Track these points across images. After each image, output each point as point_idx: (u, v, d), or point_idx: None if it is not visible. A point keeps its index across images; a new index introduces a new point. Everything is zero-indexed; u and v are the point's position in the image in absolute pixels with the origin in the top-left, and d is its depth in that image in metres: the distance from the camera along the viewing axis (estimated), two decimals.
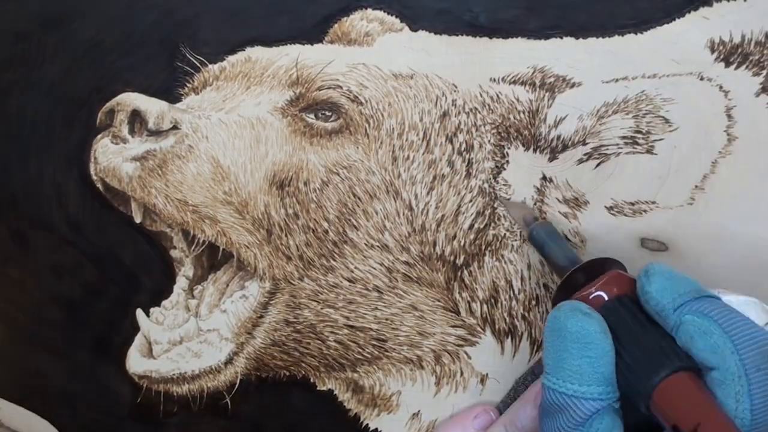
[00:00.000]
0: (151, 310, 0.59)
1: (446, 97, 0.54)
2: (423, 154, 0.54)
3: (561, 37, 0.54)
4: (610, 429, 0.39)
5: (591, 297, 0.43)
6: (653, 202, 0.53)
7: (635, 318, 0.40)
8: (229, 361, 0.57)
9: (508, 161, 0.54)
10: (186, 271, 0.59)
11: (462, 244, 0.55)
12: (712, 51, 0.53)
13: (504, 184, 0.54)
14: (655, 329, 0.40)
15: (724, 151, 0.53)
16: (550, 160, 0.54)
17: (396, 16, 0.55)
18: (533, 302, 0.55)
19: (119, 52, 0.58)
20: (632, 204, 0.54)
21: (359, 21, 0.56)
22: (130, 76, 0.57)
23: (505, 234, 0.55)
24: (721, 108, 0.53)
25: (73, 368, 0.62)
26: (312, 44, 0.56)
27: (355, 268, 0.55)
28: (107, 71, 0.58)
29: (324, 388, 0.59)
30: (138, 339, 0.59)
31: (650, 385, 0.37)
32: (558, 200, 0.54)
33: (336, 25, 0.56)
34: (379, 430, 0.60)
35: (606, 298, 0.42)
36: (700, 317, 0.38)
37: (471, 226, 0.55)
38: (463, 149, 0.54)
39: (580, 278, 0.44)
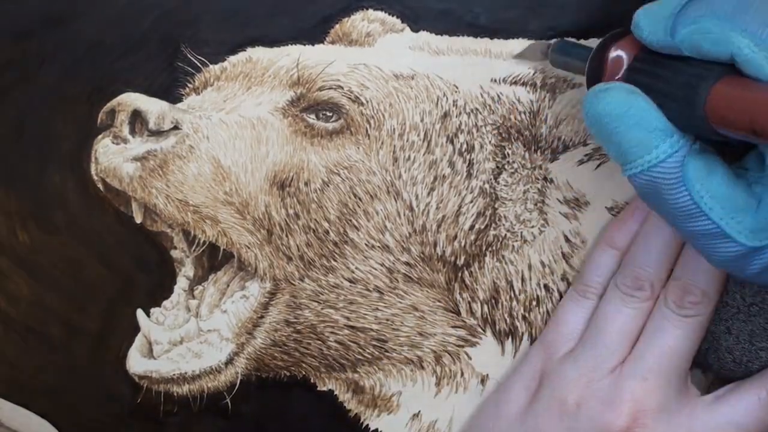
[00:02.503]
0: (152, 310, 0.59)
1: (447, 98, 0.54)
2: (424, 154, 0.54)
3: (562, 38, 0.54)
4: (706, 169, 0.38)
5: (610, 62, 0.41)
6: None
7: (659, 66, 0.39)
8: (229, 362, 0.57)
9: (509, 162, 0.54)
10: (186, 272, 0.59)
11: (463, 244, 0.55)
12: None
13: (505, 185, 0.54)
14: (683, 64, 0.38)
15: None
16: (551, 160, 0.54)
17: (397, 17, 0.55)
18: (534, 303, 0.55)
19: (120, 52, 0.58)
20: None
21: (360, 21, 0.56)
22: (131, 76, 0.57)
23: (505, 235, 0.55)
24: None
25: (73, 368, 0.62)
26: (313, 44, 0.56)
27: (356, 268, 0.55)
28: (107, 71, 0.58)
29: (324, 389, 0.59)
30: (138, 339, 0.59)
31: (699, 114, 0.36)
32: (559, 201, 0.54)
33: (337, 26, 0.56)
34: (379, 430, 0.60)
35: (625, 65, 0.41)
36: (694, 23, 0.36)
37: (472, 227, 0.55)
38: (463, 150, 0.54)
39: (596, 67, 0.43)
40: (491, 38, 0.55)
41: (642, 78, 0.39)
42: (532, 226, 0.55)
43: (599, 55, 0.43)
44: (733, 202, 0.38)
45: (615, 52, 0.42)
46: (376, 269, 0.55)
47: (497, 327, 0.56)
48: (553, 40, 0.50)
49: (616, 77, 0.41)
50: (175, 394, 0.58)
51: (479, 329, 0.56)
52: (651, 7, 0.39)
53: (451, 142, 0.54)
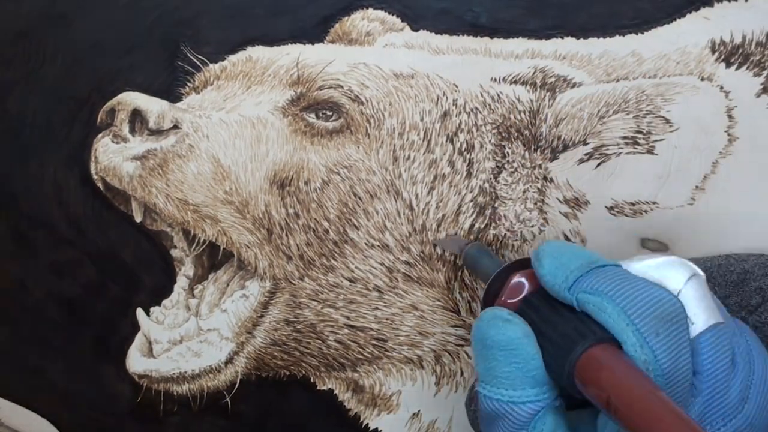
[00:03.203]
0: (152, 309, 0.59)
1: (447, 97, 0.54)
2: (424, 153, 0.54)
3: (562, 37, 0.54)
4: (553, 428, 0.39)
5: (508, 301, 0.42)
6: (654, 203, 0.53)
7: (549, 307, 0.40)
8: (229, 361, 0.57)
9: (508, 161, 0.54)
10: (186, 271, 0.59)
11: None
12: (713, 51, 0.53)
13: (505, 184, 0.54)
14: (569, 312, 0.39)
15: (724, 152, 0.53)
16: (551, 160, 0.54)
17: (397, 16, 0.55)
18: None
19: (120, 52, 0.58)
20: (633, 204, 0.54)
21: (360, 20, 0.56)
22: (131, 75, 0.57)
23: (505, 234, 0.55)
24: (721, 108, 0.53)
25: (73, 367, 0.62)
26: (313, 44, 0.56)
27: (356, 267, 0.55)
28: (108, 70, 0.58)
29: (324, 388, 0.59)
30: (138, 338, 0.59)
31: (568, 370, 0.37)
32: (559, 200, 0.54)
33: (337, 25, 0.56)
34: (379, 429, 0.60)
35: (524, 293, 0.42)
36: (592, 294, 0.37)
37: (471, 226, 0.55)
38: (463, 149, 0.54)
39: (498, 285, 0.43)
40: (491, 38, 0.55)
41: (532, 314, 0.40)
42: (532, 226, 0.55)
43: (502, 276, 0.43)
44: None
45: (516, 279, 0.42)
46: (375, 268, 0.55)
47: None
48: (471, 243, 0.50)
49: (510, 301, 0.42)
50: (175, 393, 0.58)
51: None
52: (559, 254, 0.40)
53: (451, 141, 0.54)
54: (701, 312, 0.37)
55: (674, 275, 0.38)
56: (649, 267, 0.39)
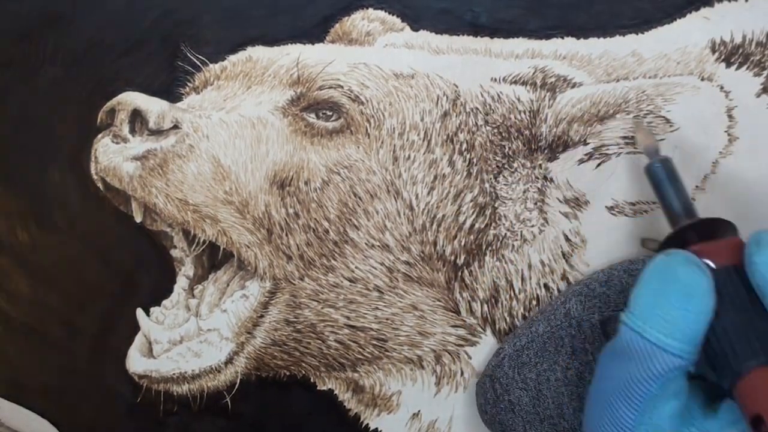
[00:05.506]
0: (152, 309, 0.59)
1: (447, 97, 0.54)
2: (424, 153, 0.54)
3: (562, 37, 0.54)
4: (678, 392, 0.38)
5: (703, 259, 0.41)
6: (654, 203, 0.53)
7: (740, 292, 0.38)
8: (229, 361, 0.57)
9: (508, 161, 0.54)
10: (186, 271, 0.59)
11: (462, 243, 0.55)
12: (713, 51, 0.53)
13: (505, 184, 0.54)
14: (759, 309, 0.38)
15: (724, 152, 0.53)
16: (551, 159, 0.54)
17: (397, 16, 0.56)
18: (534, 302, 0.55)
19: (120, 52, 0.58)
20: (633, 204, 0.54)
21: (360, 20, 0.56)
22: (131, 75, 0.57)
23: (505, 234, 0.55)
24: (721, 108, 0.53)
25: (73, 368, 0.62)
26: (313, 44, 0.56)
27: (356, 267, 0.55)
28: (108, 70, 0.58)
29: (324, 388, 0.59)
30: (138, 338, 0.59)
31: (738, 371, 0.36)
32: (559, 200, 0.54)
33: (337, 25, 0.56)
34: (379, 430, 0.60)
35: (714, 266, 0.40)
36: None
37: (472, 226, 0.55)
38: (464, 149, 0.54)
39: (692, 236, 0.42)
40: (491, 38, 0.55)
41: (724, 287, 0.39)
42: (532, 226, 0.55)
43: (702, 228, 0.42)
44: (663, 426, 0.38)
45: (708, 258, 0.40)
46: (376, 268, 0.55)
47: (497, 326, 0.56)
48: (663, 156, 0.49)
49: (704, 259, 0.40)
50: (175, 393, 0.58)
51: (479, 328, 0.56)
52: None
53: (451, 141, 0.54)
54: None
55: None
56: None
